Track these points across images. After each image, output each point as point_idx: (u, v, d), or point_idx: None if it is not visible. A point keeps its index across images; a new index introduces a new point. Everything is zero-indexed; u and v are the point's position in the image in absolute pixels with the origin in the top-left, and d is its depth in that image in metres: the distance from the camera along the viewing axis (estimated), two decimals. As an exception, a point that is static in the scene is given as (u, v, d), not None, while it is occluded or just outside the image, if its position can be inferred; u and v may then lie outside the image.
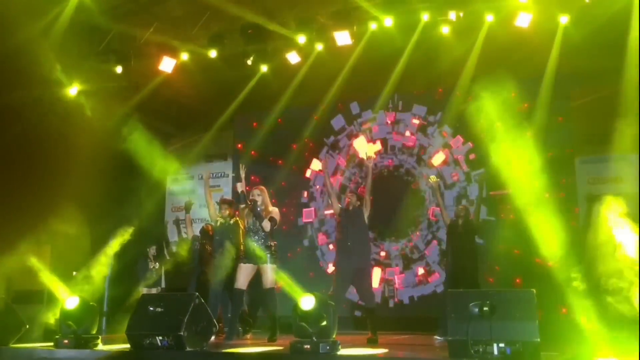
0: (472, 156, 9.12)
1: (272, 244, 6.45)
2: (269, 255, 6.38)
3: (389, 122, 9.78)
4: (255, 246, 6.39)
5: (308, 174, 10.14)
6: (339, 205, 6.83)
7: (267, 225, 6.37)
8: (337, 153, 10.03)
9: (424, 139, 9.52)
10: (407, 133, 9.64)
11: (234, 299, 6.51)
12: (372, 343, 6.08)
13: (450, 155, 9.27)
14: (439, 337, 6.54)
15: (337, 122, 10.14)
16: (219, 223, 7.08)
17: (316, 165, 10.04)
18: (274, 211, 6.53)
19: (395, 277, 9.22)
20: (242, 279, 6.44)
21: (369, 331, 6.40)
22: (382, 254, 9.32)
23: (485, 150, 8.76)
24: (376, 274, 9.04)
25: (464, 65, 8.50)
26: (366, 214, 6.63)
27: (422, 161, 9.42)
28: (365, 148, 9.69)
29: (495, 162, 8.18)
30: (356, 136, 9.90)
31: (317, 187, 10.06)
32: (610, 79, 7.62)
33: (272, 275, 6.41)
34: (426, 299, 8.99)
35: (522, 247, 8.20)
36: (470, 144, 9.12)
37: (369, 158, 6.93)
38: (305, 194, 10.13)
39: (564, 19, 7.66)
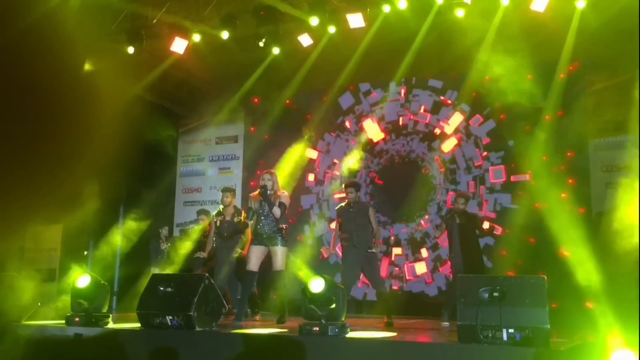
0: (486, 140, 9.04)
1: (283, 226, 6.46)
2: (279, 237, 6.40)
3: (402, 95, 9.64)
4: (266, 229, 6.41)
5: (313, 155, 10.09)
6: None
7: (277, 211, 6.36)
8: (346, 134, 9.97)
9: (436, 117, 9.38)
10: (422, 110, 9.51)
11: (246, 281, 6.52)
12: (389, 327, 6.14)
13: (465, 136, 9.17)
14: (445, 322, 6.56)
15: (346, 101, 10.06)
16: (218, 223, 7.23)
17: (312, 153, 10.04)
18: (284, 195, 6.50)
19: (405, 266, 9.17)
20: (254, 260, 6.44)
21: (384, 315, 6.46)
22: (392, 238, 9.28)
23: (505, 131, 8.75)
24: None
25: (478, 49, 8.39)
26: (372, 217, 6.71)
27: (433, 150, 9.30)
28: (374, 131, 9.65)
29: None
30: (366, 117, 9.82)
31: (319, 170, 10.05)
32: (628, 65, 7.51)
33: (283, 257, 6.43)
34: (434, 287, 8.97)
35: (538, 235, 8.19)
36: (491, 122, 9.01)
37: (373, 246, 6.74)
38: (312, 177, 10.11)
39: (581, 4, 7.53)
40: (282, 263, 6.42)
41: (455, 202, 7.23)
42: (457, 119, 9.20)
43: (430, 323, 6.83)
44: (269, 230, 6.40)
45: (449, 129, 9.23)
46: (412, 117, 9.56)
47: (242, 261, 7.08)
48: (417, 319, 7.46)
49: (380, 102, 9.80)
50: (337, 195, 9.67)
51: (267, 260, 6.55)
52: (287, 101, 10.20)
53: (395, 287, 9.04)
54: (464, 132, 9.18)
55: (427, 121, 9.44)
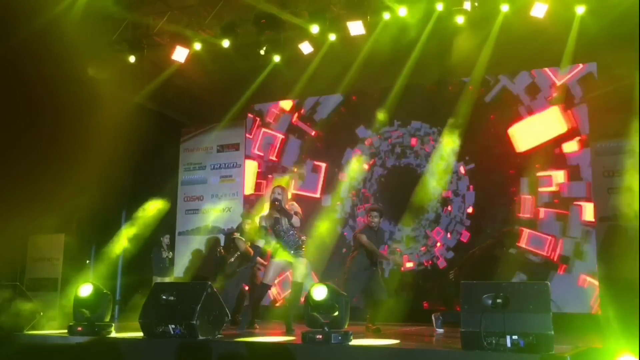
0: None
1: (303, 238, 6.36)
2: (302, 250, 6.25)
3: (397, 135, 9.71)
4: (291, 244, 6.20)
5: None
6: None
7: (297, 221, 6.19)
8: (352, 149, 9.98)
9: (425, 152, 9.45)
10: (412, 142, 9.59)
11: (260, 292, 6.35)
12: (377, 332, 6.21)
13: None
14: (440, 329, 6.56)
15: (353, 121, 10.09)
16: (234, 257, 7.41)
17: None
18: (295, 205, 6.35)
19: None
20: (272, 275, 6.27)
21: (369, 323, 6.51)
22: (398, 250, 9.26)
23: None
24: None
25: (478, 56, 8.41)
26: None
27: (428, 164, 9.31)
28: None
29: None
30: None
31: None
32: (628, 70, 7.52)
33: (304, 269, 6.29)
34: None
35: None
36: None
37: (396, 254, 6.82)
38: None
39: (580, 9, 7.56)
40: (303, 275, 6.27)
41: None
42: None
43: (432, 330, 6.80)
44: (294, 244, 6.21)
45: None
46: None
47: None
48: (419, 327, 7.42)
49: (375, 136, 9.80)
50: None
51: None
52: (289, 108, 10.21)
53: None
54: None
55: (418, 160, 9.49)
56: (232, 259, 7.50)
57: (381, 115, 9.54)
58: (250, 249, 7.18)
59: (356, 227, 9.22)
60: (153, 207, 9.79)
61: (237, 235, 7.53)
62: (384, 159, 9.62)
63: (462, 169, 9.09)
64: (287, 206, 6.23)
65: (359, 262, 6.70)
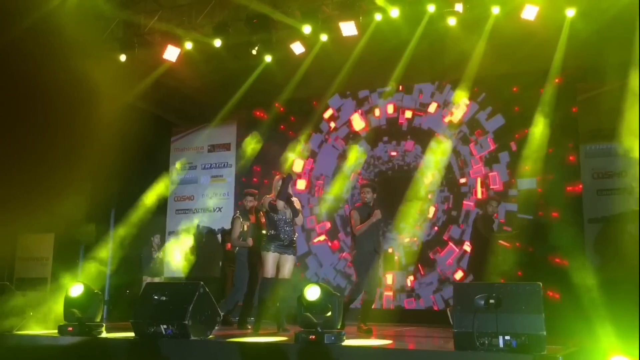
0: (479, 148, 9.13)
1: (296, 235, 6.32)
2: (294, 246, 6.25)
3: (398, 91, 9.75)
4: (288, 236, 6.16)
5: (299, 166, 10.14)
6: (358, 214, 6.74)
7: (301, 219, 6.23)
8: (337, 140, 10.01)
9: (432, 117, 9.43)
10: (417, 104, 9.57)
11: (265, 289, 6.18)
12: (368, 333, 6.17)
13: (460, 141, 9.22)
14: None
15: (339, 107, 10.12)
16: (245, 227, 7.08)
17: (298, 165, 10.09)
18: (297, 201, 6.30)
19: (408, 279, 9.15)
20: (273, 267, 6.13)
21: (361, 323, 6.40)
22: (389, 250, 9.24)
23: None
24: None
25: (469, 57, 8.45)
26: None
27: (429, 150, 9.25)
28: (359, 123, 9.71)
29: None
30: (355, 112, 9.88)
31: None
32: (617, 72, 7.59)
33: (292, 266, 6.28)
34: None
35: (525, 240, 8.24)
36: (486, 129, 9.13)
37: (375, 214, 6.64)
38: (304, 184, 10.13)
39: (570, 12, 7.62)
40: (291, 272, 6.26)
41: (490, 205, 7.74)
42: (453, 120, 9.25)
43: (424, 330, 6.83)
44: (290, 237, 6.18)
45: (444, 130, 9.27)
46: (406, 116, 9.59)
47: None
48: (411, 327, 7.46)
49: (374, 102, 9.85)
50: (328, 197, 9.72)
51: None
52: (280, 109, 10.22)
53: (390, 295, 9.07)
54: (459, 137, 9.23)
55: (421, 122, 9.47)
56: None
57: (392, 84, 9.51)
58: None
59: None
60: (143, 207, 9.75)
61: (237, 214, 7.30)
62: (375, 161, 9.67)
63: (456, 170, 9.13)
64: (292, 198, 6.20)
65: (363, 246, 6.59)
